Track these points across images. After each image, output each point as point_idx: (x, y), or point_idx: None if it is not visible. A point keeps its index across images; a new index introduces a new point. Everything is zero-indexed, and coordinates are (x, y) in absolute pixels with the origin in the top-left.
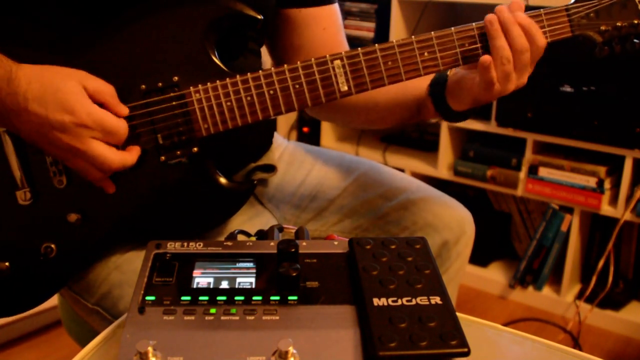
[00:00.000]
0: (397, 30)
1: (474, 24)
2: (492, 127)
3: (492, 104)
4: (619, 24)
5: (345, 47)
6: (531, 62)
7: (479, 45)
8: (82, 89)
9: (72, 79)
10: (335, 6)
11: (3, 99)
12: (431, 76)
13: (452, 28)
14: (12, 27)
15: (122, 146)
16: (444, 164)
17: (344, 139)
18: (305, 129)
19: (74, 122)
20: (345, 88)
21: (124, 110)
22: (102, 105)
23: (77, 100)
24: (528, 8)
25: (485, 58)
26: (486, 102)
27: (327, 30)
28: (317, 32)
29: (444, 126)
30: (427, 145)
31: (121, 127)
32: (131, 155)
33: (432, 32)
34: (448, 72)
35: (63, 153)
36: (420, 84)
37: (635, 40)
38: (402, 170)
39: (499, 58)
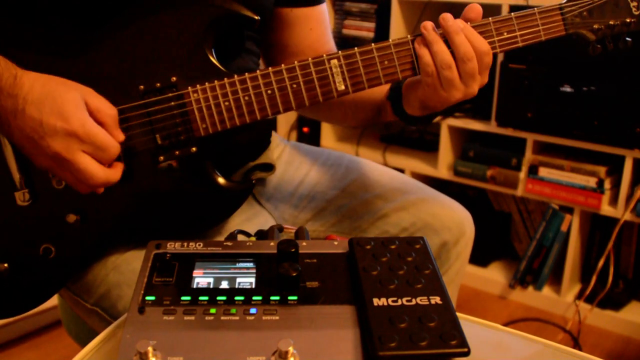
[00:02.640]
0: (397, 30)
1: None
2: (492, 127)
3: (492, 104)
4: (611, 22)
5: (331, 46)
6: (481, 71)
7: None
8: (82, 101)
9: (75, 91)
10: (324, 6)
11: (3, 100)
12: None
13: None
14: (10, 30)
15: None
16: (444, 164)
17: (343, 139)
18: (305, 129)
19: (65, 130)
20: (343, 87)
21: (120, 135)
22: (100, 124)
23: (74, 110)
24: (526, 7)
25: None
26: (438, 109)
27: (314, 31)
28: (304, 32)
29: (444, 126)
30: (427, 145)
31: (112, 145)
32: (115, 173)
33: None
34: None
35: (51, 162)
36: (384, 87)
37: (627, 39)
38: (402, 171)
39: (439, 62)
